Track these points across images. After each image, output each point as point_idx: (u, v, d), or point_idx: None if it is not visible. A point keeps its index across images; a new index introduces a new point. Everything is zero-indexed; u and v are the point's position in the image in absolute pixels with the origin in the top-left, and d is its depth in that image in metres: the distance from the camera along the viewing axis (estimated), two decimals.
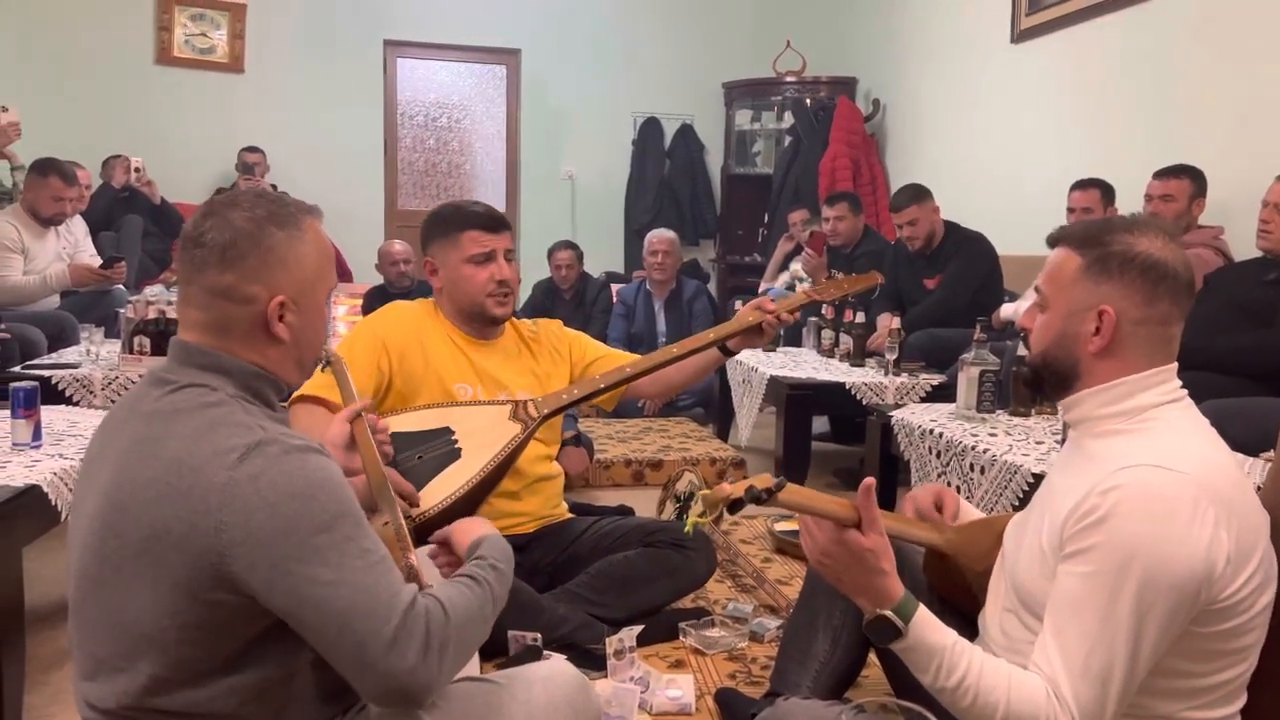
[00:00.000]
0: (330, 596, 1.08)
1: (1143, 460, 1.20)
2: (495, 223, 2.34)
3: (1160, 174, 3.57)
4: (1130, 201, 3.74)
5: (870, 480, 1.26)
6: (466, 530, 1.45)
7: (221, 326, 1.20)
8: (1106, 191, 3.92)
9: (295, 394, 2.14)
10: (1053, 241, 1.37)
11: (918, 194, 4.29)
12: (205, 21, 6.66)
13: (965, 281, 4.17)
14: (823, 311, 4.30)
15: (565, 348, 2.50)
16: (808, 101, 6.78)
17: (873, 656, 1.76)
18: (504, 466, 2.17)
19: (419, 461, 2.08)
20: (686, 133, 7.29)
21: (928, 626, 1.25)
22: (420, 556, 1.47)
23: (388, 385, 2.26)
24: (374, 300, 5.11)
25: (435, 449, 2.13)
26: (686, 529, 1.63)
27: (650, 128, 7.26)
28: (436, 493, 2.03)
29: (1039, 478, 2.24)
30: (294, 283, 1.22)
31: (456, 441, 2.14)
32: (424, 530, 1.94)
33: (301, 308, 1.23)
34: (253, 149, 6.29)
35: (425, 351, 2.30)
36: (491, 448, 2.13)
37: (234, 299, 1.19)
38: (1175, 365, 1.31)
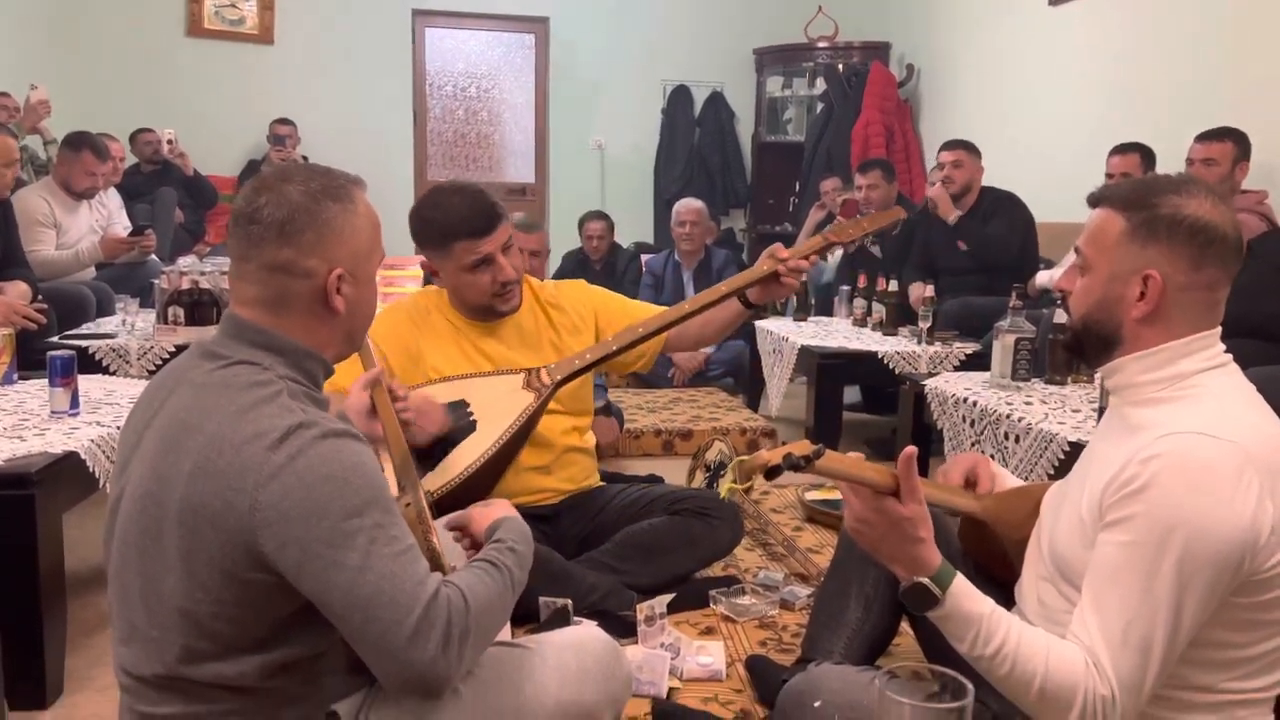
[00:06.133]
0: (357, 582, 1.08)
1: (1185, 428, 1.17)
2: (484, 224, 2.15)
3: (1202, 137, 3.49)
4: (1170, 166, 3.65)
5: (911, 449, 1.24)
6: (484, 514, 1.44)
7: (279, 301, 1.20)
8: (1146, 156, 3.83)
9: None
10: (1095, 201, 1.32)
11: (971, 145, 4.33)
12: None
13: (1017, 229, 4.18)
14: (847, 249, 4.24)
15: (590, 312, 2.42)
16: (840, 67, 6.69)
17: (905, 624, 1.75)
18: (520, 436, 2.14)
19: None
20: (717, 100, 7.21)
21: (965, 595, 1.23)
22: (441, 533, 1.47)
23: None
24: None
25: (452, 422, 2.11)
26: (723, 496, 1.61)
27: (680, 96, 7.19)
28: (453, 466, 2.03)
29: (1075, 446, 2.21)
30: (349, 255, 1.23)
31: (472, 414, 2.12)
32: (443, 505, 1.94)
33: (357, 279, 1.24)
34: (284, 121, 6.31)
35: (421, 350, 2.24)
36: (505, 418, 2.10)
37: (293, 273, 1.19)
38: (1219, 330, 1.27)
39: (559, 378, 2.18)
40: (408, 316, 2.30)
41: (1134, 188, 1.29)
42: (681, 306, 2.29)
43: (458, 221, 2.15)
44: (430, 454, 2.05)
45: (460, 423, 2.10)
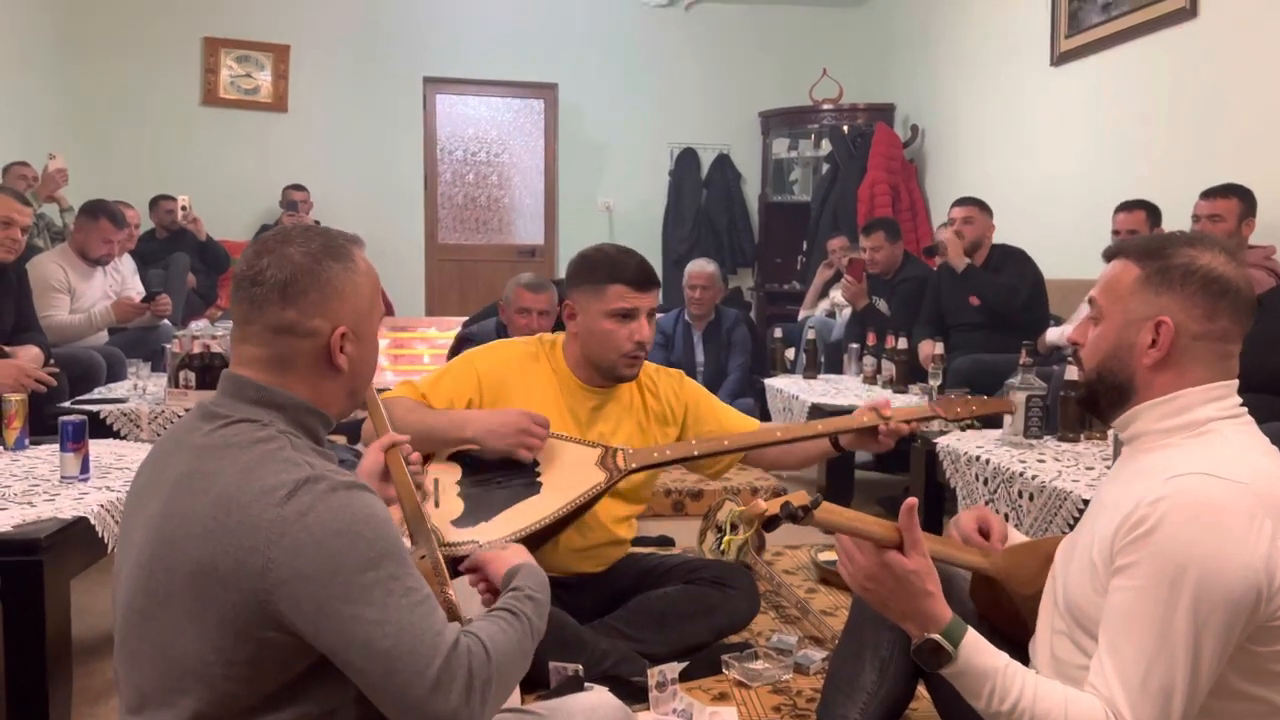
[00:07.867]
0: (375, 636, 1.07)
1: (1192, 469, 1.17)
2: (646, 280, 2.22)
3: (1208, 194, 3.50)
4: (1176, 224, 3.67)
5: (912, 500, 1.24)
6: (501, 559, 1.43)
7: (284, 362, 1.21)
8: (1152, 213, 3.85)
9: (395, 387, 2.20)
10: (1110, 255, 1.34)
11: (982, 203, 4.37)
12: (250, 63, 6.82)
13: (1026, 279, 4.19)
14: (868, 341, 4.27)
15: (681, 406, 2.38)
16: (845, 129, 6.78)
17: (922, 688, 1.71)
18: (577, 513, 2.12)
19: (498, 487, 2.07)
20: (723, 162, 7.31)
21: (978, 649, 1.22)
22: (460, 584, 1.46)
23: None
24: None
25: (516, 478, 2.10)
26: (723, 549, 1.59)
27: (687, 158, 7.29)
28: (504, 526, 2.02)
29: (1089, 504, 2.19)
30: (352, 313, 1.23)
31: (539, 475, 2.11)
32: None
33: (360, 337, 1.25)
34: (297, 186, 6.40)
35: (510, 388, 2.22)
36: (570, 491, 2.08)
37: (297, 334, 1.20)
38: (1235, 382, 1.27)
39: (634, 466, 2.15)
40: (516, 355, 2.30)
41: (1149, 240, 1.32)
42: (773, 432, 2.30)
43: (622, 268, 2.21)
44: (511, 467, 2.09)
45: (520, 480, 2.11)
